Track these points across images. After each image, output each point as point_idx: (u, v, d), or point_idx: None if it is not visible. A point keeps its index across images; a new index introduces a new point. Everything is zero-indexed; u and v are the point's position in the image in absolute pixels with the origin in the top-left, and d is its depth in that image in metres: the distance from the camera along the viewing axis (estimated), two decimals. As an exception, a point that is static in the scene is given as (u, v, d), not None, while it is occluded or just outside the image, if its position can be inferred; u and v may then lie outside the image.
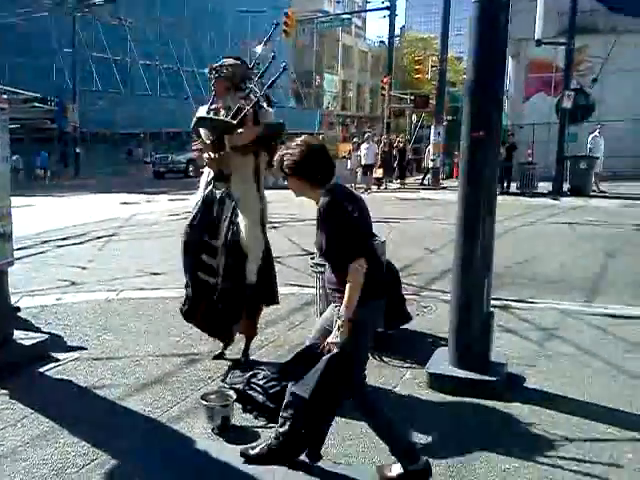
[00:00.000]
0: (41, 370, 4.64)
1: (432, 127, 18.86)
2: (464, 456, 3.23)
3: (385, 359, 4.66)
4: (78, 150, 30.01)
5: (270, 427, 3.47)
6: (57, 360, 4.84)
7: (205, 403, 3.62)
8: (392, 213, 12.99)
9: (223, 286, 4.41)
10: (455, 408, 3.82)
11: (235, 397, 3.68)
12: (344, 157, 19.91)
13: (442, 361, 4.15)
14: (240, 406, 3.79)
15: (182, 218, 13.42)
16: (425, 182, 20.43)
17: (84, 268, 8.63)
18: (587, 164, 15.93)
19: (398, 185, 20.40)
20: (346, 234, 2.78)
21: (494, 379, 3.89)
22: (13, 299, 6.48)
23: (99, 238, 11.14)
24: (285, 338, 5.22)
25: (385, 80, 24.91)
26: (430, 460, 3.07)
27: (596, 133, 16.97)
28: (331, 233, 2.81)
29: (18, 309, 6.27)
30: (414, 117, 29.94)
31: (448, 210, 12.80)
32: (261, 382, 3.77)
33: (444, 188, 19.11)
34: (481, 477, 3.07)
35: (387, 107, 24.50)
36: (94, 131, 29.76)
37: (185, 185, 22.99)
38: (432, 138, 18.59)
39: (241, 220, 4.45)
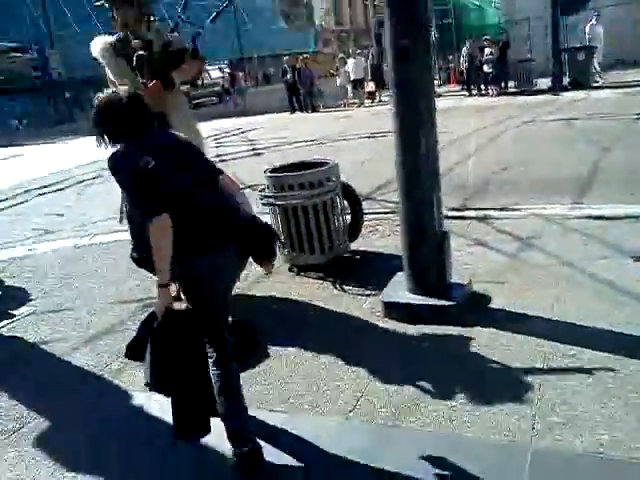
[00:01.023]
0: (-7, 328, 4.50)
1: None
2: (405, 394, 3.00)
3: (345, 287, 4.41)
4: (67, 95, 29.33)
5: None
6: (12, 316, 4.69)
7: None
8: (380, 127, 12.45)
9: None
10: (407, 339, 3.54)
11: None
12: (332, 74, 19.10)
13: (399, 287, 3.87)
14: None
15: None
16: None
17: (61, 215, 8.41)
18: (586, 55, 14.91)
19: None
20: (136, 188, 2.41)
21: (452, 303, 3.61)
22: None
23: (80, 182, 10.85)
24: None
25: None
26: (370, 400, 2.87)
27: (593, 21, 15.83)
28: (123, 188, 2.55)
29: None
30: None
31: (443, 118, 12.23)
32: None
33: (440, 96, 18.26)
34: (421, 416, 2.84)
35: (372, 17, 23.17)
36: (80, 76, 28.80)
37: (212, 113, 22.07)
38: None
39: None
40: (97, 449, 2.92)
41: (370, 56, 18.32)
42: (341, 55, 20.50)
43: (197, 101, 28.04)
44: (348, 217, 5.11)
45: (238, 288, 4.21)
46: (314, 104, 18.19)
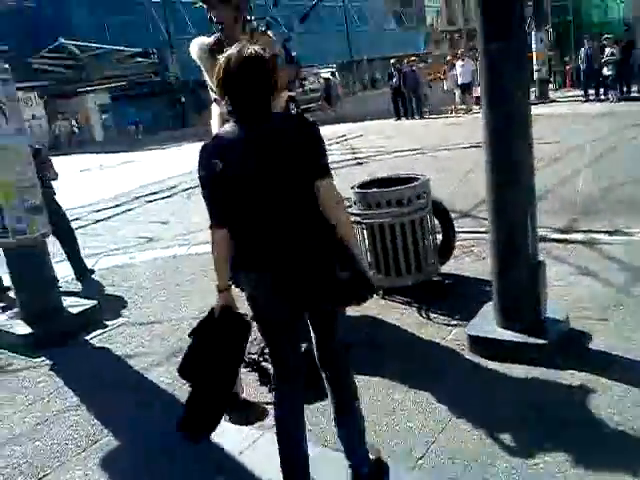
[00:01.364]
0: (87, 338, 4.70)
1: (532, 33, 16.67)
2: (482, 444, 2.74)
3: (431, 315, 4.17)
4: (183, 100, 30.67)
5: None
6: (105, 326, 4.87)
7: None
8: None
9: None
10: (490, 379, 3.25)
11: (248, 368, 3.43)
12: (440, 78, 18.48)
13: (487, 319, 3.58)
14: (257, 377, 3.56)
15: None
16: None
17: (165, 223, 8.75)
18: None
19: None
20: (204, 196, 2.31)
21: (544, 342, 3.27)
22: (92, 261, 6.73)
23: (186, 190, 11.26)
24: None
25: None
26: (442, 449, 2.65)
27: None
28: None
29: (92, 271, 6.47)
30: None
31: (554, 127, 11.51)
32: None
33: (553, 101, 17.26)
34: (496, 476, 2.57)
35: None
36: (194, 79, 30.12)
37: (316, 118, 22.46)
38: (534, 45, 16.51)
39: None
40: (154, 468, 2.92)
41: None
42: (448, 57, 19.77)
43: (303, 106, 28.63)
44: (440, 236, 4.87)
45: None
46: (421, 109, 17.77)
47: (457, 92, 17.58)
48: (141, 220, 9.19)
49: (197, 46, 3.73)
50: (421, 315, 4.20)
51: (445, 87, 17.49)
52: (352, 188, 4.56)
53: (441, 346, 3.72)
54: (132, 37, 28.51)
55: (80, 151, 23.38)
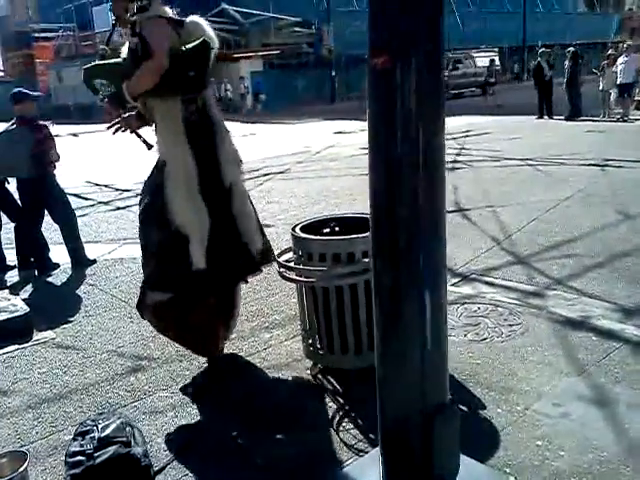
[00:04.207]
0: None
1: None
2: None
3: (348, 427, 2.98)
4: (334, 74, 30.15)
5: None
6: (25, 341, 4.29)
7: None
8: (627, 154, 9.72)
9: None
10: None
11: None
12: (596, 74, 15.67)
13: (371, 465, 2.37)
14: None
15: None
16: None
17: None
18: None
19: None
20: None
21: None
22: (111, 247, 6.35)
23: (266, 175, 10.61)
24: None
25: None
26: None
27: None
28: None
29: (93, 261, 6.05)
30: None
31: None
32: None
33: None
34: None
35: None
36: (348, 54, 29.30)
37: (462, 107, 20.66)
38: None
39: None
40: None
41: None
42: (610, 51, 16.73)
43: (455, 91, 26.58)
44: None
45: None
46: (576, 108, 15.26)
47: (613, 93, 14.87)
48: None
49: None
50: (333, 425, 3.00)
51: (600, 86, 14.78)
52: (293, 230, 3.44)
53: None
54: (292, 7, 28.41)
55: (229, 118, 23.62)
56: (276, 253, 3.57)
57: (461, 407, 3.04)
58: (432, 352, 2.04)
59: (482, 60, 26.96)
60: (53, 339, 4.33)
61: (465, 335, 3.86)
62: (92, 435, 2.62)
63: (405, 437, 2.16)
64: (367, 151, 2.00)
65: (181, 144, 3.14)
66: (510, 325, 3.95)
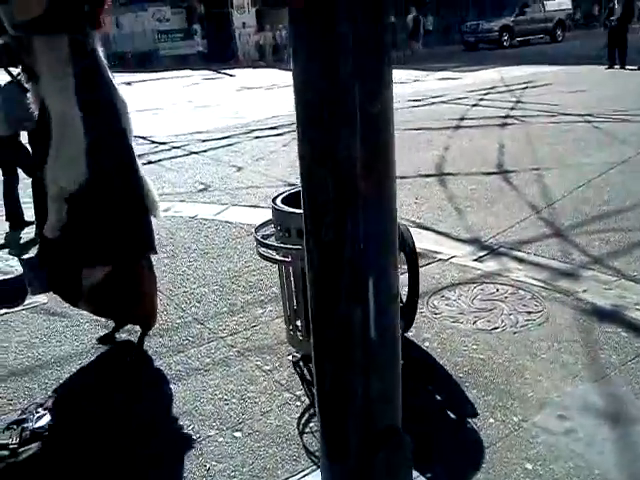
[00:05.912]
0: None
1: None
2: None
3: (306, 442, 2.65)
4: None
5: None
6: (15, 305, 4.12)
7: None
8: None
9: None
10: None
11: None
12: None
13: None
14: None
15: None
16: None
17: (239, 169, 7.80)
18: None
19: None
20: None
21: None
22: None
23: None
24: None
25: None
26: None
27: None
28: None
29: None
30: None
31: None
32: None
33: None
34: None
35: None
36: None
37: (494, 58, 20.04)
38: None
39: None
40: None
41: None
42: None
43: (521, 38, 24.81)
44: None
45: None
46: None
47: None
48: (224, 160, 8.32)
49: None
50: (302, 417, 2.69)
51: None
52: (273, 201, 3.03)
53: None
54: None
55: (278, 66, 22.99)
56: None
57: (449, 413, 2.65)
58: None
59: (552, 3, 24.96)
60: (44, 304, 4.15)
61: (474, 322, 3.41)
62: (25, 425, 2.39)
63: (344, 468, 1.80)
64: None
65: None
66: (528, 312, 3.47)
